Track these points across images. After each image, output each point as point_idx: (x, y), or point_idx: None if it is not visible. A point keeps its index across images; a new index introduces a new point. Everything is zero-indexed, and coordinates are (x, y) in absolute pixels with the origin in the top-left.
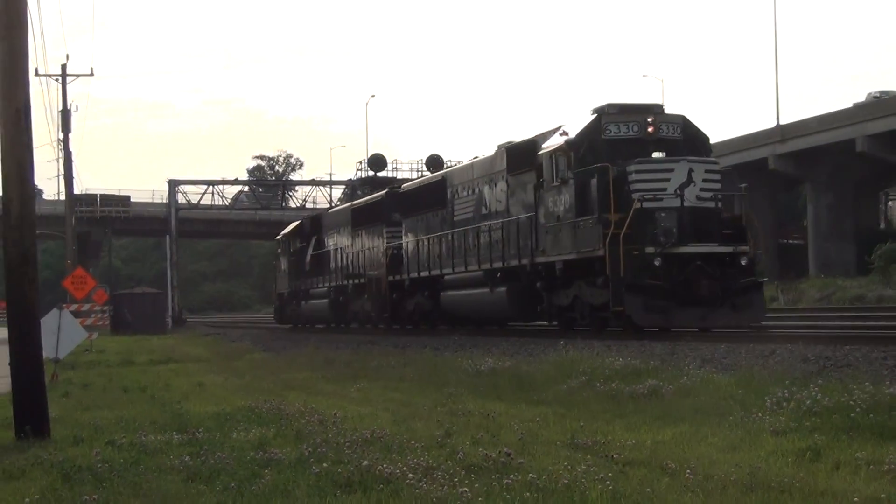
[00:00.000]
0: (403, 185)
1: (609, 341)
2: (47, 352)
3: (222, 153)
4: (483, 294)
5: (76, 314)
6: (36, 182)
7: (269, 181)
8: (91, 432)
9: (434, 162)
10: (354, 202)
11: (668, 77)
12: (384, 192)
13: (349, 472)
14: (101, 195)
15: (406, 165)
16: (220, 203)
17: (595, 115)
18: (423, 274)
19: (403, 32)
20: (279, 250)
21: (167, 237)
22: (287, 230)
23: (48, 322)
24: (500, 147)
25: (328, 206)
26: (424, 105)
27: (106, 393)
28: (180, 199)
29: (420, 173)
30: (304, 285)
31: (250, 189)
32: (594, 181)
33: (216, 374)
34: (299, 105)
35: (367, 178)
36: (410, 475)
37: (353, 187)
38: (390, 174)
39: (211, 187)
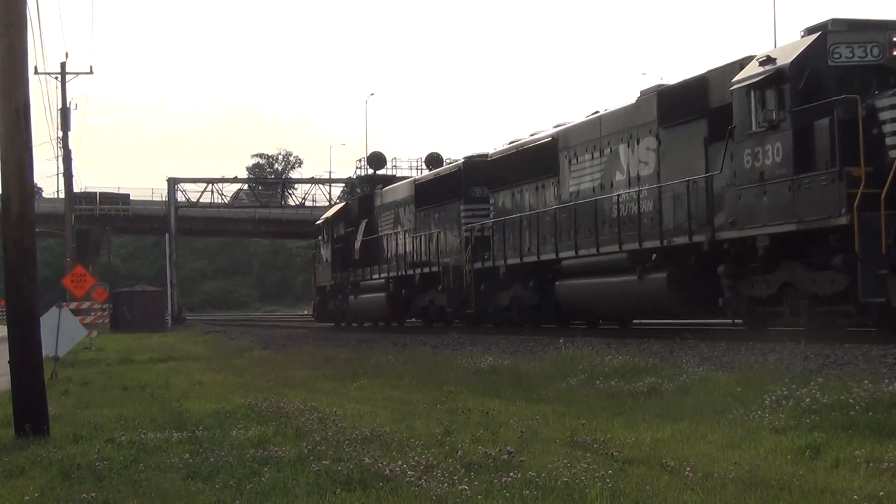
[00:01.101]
0: (490, 154)
1: (609, 339)
2: (47, 350)
3: (222, 151)
4: (627, 283)
5: (76, 312)
6: (35, 180)
7: (269, 179)
8: (90, 430)
9: (433, 160)
10: (418, 178)
11: (668, 76)
12: (460, 162)
13: (349, 470)
14: (100, 193)
15: (405, 163)
16: (220, 201)
17: (816, 34)
18: (527, 259)
19: (403, 31)
20: (320, 237)
21: (166, 235)
22: (329, 214)
23: (48, 320)
24: (643, 93)
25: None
26: (424, 104)
27: (105, 391)
28: (180, 197)
29: (419, 171)
30: (353, 277)
31: (250, 187)
32: (827, 122)
33: (216, 372)
34: (299, 103)
35: (367, 176)
36: (410, 473)
37: (353, 185)
38: (390, 172)
39: (210, 185)
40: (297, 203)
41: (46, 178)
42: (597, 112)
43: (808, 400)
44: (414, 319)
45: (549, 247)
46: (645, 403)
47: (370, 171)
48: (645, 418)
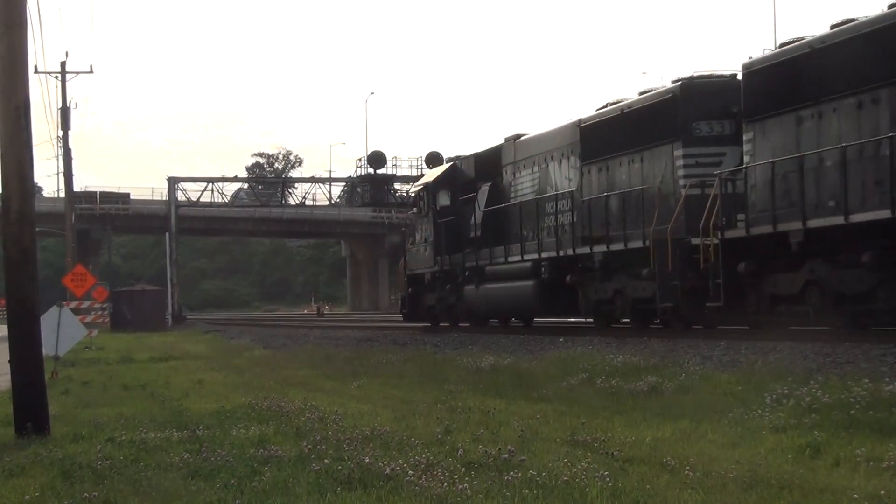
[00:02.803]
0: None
1: (609, 338)
2: (47, 349)
3: (222, 151)
4: None
5: (76, 311)
6: (35, 179)
7: (269, 178)
8: (91, 429)
9: (434, 159)
10: (584, 118)
11: (668, 75)
12: (675, 86)
13: (349, 469)
14: (100, 192)
15: (406, 162)
16: (220, 200)
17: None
18: (858, 218)
19: (403, 31)
20: (415, 210)
21: (167, 234)
22: (429, 178)
23: (48, 319)
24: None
25: (328, 202)
26: (424, 104)
27: (106, 390)
28: (180, 196)
29: (420, 171)
30: (472, 261)
31: (250, 186)
32: None
33: (216, 371)
34: (299, 102)
35: (367, 176)
36: (410, 472)
37: (353, 184)
38: (390, 171)
39: (210, 185)
40: (298, 202)
41: (47, 178)
42: None
43: (808, 399)
44: (585, 318)
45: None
46: (645, 402)
47: (370, 170)
48: (645, 417)
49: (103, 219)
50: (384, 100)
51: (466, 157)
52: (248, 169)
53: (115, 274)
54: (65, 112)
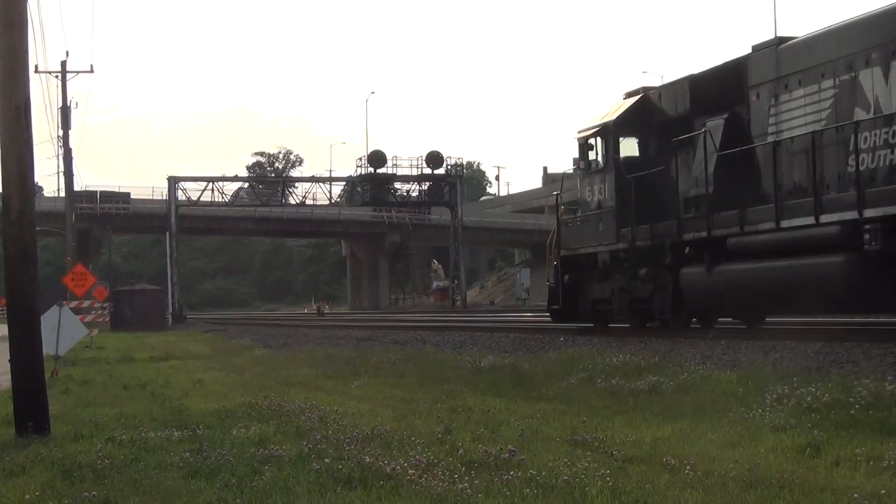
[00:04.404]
0: None
1: (609, 338)
2: (47, 348)
3: (222, 150)
4: None
5: (76, 311)
6: (36, 179)
7: (269, 178)
8: (91, 429)
9: (434, 158)
10: None
11: (668, 74)
12: None
13: (350, 469)
14: (100, 192)
15: (406, 162)
16: (220, 200)
17: None
18: None
19: (403, 30)
20: (575, 167)
21: (167, 234)
22: (604, 119)
23: (48, 319)
24: None
25: (328, 202)
26: (423, 103)
27: (106, 390)
28: (180, 195)
29: (420, 171)
30: (695, 230)
31: (250, 186)
32: None
33: (216, 370)
34: (299, 102)
35: (367, 175)
36: (411, 471)
37: (353, 184)
38: (390, 171)
39: (211, 184)
40: (298, 202)
41: (47, 177)
42: None
43: (808, 398)
44: None
45: None
46: (646, 402)
47: (371, 170)
48: (645, 417)
49: (103, 218)
50: (384, 100)
51: (669, 85)
52: (248, 168)
53: (116, 273)
54: (65, 111)
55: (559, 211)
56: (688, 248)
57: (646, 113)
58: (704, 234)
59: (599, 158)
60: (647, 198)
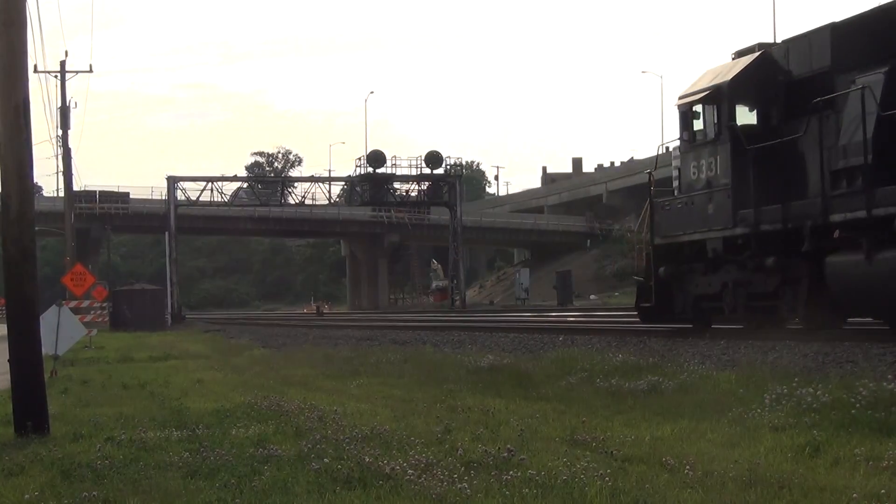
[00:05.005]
0: None
1: (609, 337)
2: (47, 348)
3: (221, 150)
4: None
5: (75, 311)
6: (35, 179)
7: (269, 178)
8: (90, 429)
9: (433, 158)
10: None
11: (667, 74)
12: None
13: (349, 469)
14: (100, 192)
15: (405, 162)
16: (219, 200)
17: None
18: None
19: (403, 30)
20: (678, 140)
21: (166, 234)
22: (715, 80)
23: (47, 319)
24: None
25: (327, 201)
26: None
27: (105, 389)
28: (179, 195)
29: (419, 170)
30: (847, 209)
31: (249, 186)
32: None
33: (215, 370)
34: (299, 101)
35: (366, 175)
36: (410, 471)
37: (353, 184)
38: (389, 170)
39: (210, 184)
40: (297, 202)
41: (46, 177)
42: None
43: (808, 398)
44: None
45: None
46: (645, 402)
47: (370, 170)
48: (645, 416)
49: (103, 218)
50: (385, 99)
51: (800, 38)
52: (247, 168)
53: (115, 273)
54: (64, 111)
55: (651, 192)
56: (836, 231)
57: (768, 72)
58: (862, 213)
59: (709, 128)
60: (773, 173)
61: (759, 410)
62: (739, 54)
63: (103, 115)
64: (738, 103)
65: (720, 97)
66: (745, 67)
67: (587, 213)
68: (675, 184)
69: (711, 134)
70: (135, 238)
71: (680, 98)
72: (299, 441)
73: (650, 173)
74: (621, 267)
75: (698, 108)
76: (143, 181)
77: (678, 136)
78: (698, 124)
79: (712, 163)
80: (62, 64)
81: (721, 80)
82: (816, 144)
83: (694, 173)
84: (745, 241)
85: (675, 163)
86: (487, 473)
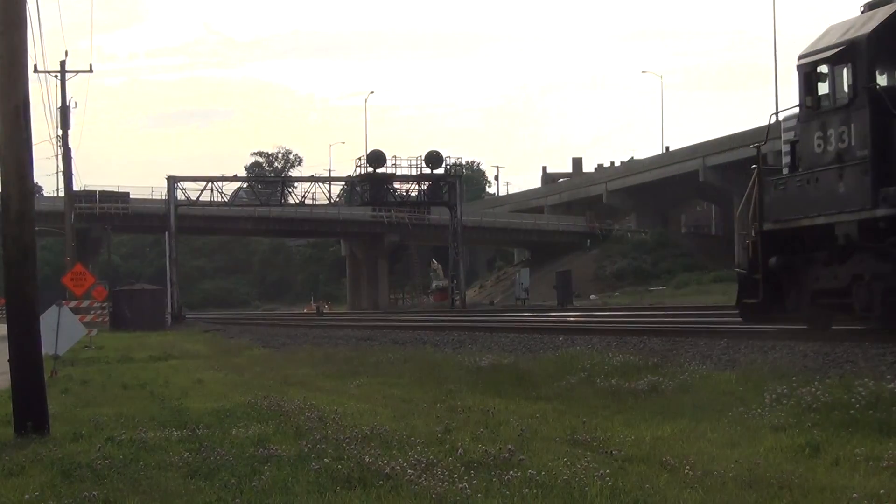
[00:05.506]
0: None
1: (609, 337)
2: (47, 348)
3: (221, 150)
4: None
5: (75, 311)
6: (35, 179)
7: (269, 178)
8: (90, 429)
9: (433, 158)
10: None
11: (667, 73)
12: None
13: (349, 469)
14: (100, 192)
15: (405, 162)
16: (220, 200)
17: None
18: None
19: (403, 30)
20: (803, 105)
21: (166, 234)
22: (848, 35)
23: (48, 318)
24: None
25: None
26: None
27: (105, 389)
28: (179, 195)
29: (419, 170)
30: None
31: (249, 186)
32: None
33: (215, 370)
34: (299, 101)
35: (366, 175)
36: (410, 471)
37: (353, 184)
38: (389, 170)
39: (210, 184)
40: (297, 201)
41: (46, 177)
42: None
43: (808, 398)
44: None
45: None
46: (645, 402)
47: (370, 170)
48: (645, 417)
49: (103, 218)
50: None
51: None
52: (247, 168)
53: (115, 273)
54: (64, 111)
55: (758, 171)
56: None
57: None
58: None
59: (839, 91)
60: None
61: (759, 410)
62: (870, 7)
63: (103, 115)
64: (881, 61)
65: (857, 53)
66: (888, 18)
67: (587, 213)
68: (787, 160)
69: (844, 98)
70: (135, 238)
71: (800, 58)
72: (299, 441)
73: (758, 146)
74: (621, 267)
75: (825, 68)
76: (143, 181)
77: (797, 102)
78: (824, 87)
79: (844, 132)
80: (62, 64)
81: (858, 34)
82: None
83: (819, 145)
84: (889, 225)
85: (788, 135)
86: (487, 473)
